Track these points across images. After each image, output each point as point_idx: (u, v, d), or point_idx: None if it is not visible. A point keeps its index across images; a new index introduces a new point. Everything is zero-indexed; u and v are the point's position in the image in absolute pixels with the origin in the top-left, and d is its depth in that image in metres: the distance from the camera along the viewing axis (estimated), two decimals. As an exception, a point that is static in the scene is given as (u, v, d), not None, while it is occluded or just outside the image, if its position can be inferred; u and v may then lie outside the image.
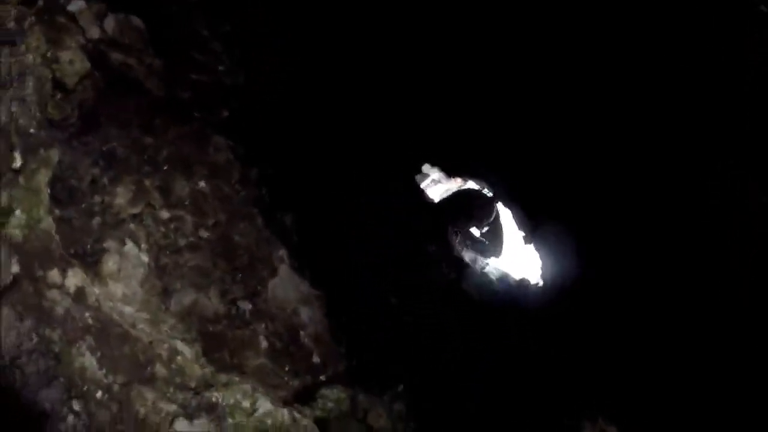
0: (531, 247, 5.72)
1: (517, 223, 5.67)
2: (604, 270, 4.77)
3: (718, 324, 3.70)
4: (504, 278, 5.78)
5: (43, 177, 3.23)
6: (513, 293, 5.63)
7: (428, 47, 4.99)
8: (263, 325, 4.21)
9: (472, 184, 6.53)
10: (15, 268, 2.74)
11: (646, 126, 3.89)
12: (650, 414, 3.86)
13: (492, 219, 6.04)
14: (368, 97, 5.28)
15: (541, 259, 5.63)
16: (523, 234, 5.68)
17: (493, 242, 6.01)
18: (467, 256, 5.85)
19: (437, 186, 6.64)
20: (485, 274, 5.68)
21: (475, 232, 6.19)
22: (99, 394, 2.97)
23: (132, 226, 3.89)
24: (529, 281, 5.77)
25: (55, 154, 3.21)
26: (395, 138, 5.65)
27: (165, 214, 4.01)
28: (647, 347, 4.24)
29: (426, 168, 6.30)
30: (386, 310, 4.55)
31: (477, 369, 4.44)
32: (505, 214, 6.17)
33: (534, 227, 5.49)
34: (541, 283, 5.69)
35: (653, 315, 4.28)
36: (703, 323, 3.84)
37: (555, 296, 5.43)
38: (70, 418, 2.85)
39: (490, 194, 6.29)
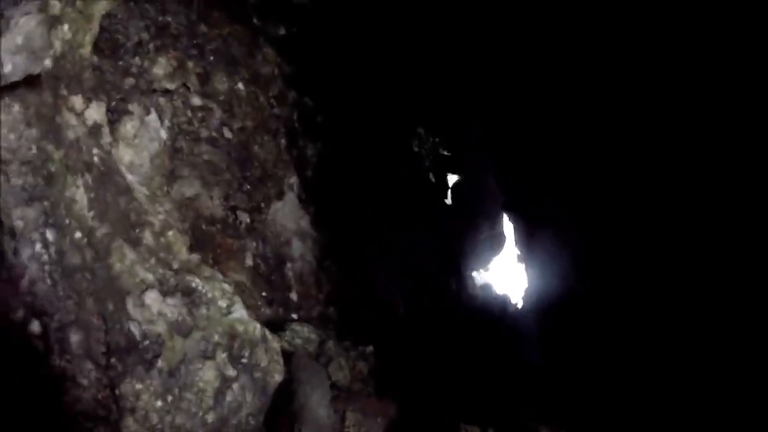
0: (522, 267, 5.42)
1: (515, 237, 5.37)
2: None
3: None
4: (487, 287, 5.48)
5: (99, 9, 2.86)
6: (490, 303, 5.31)
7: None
8: (254, 244, 3.84)
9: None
10: (47, 63, 2.34)
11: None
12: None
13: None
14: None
15: (528, 280, 5.34)
16: (518, 252, 5.37)
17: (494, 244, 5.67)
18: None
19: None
20: (471, 277, 5.37)
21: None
22: (78, 234, 2.55)
23: (162, 100, 3.52)
24: (510, 298, 5.46)
25: (118, -9, 2.86)
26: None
27: (197, 101, 3.65)
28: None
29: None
30: (378, 273, 4.20)
31: (444, 357, 4.11)
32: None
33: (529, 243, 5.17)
34: (520, 305, 5.38)
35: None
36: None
37: (529, 321, 5.12)
38: (38, 246, 2.37)
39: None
